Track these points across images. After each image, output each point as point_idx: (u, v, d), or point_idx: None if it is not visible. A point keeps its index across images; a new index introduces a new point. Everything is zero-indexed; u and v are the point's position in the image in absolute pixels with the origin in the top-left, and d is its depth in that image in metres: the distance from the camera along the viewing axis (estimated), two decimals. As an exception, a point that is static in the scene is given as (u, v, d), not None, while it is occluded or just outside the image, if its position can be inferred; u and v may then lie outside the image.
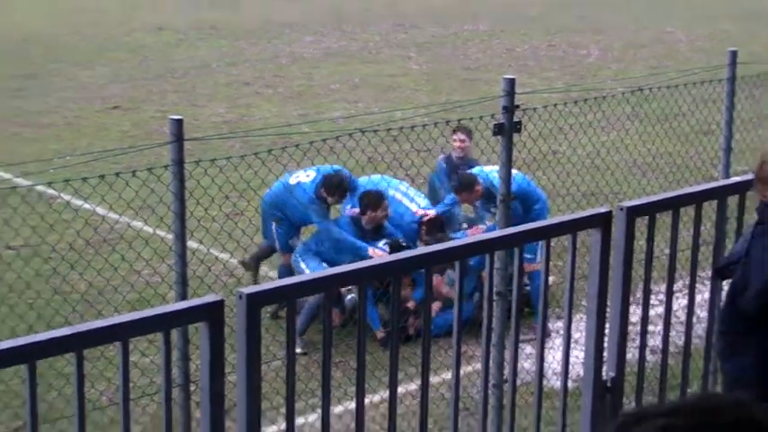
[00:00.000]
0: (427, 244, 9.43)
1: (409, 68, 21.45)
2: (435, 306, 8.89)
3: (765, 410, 1.61)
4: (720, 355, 5.23)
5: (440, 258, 5.47)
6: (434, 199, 11.04)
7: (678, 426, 1.56)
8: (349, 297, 9.40)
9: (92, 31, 25.38)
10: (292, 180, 10.40)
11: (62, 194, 11.71)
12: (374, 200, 9.94)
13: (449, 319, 8.53)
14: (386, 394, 5.12)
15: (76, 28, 25.66)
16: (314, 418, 6.67)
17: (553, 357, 6.63)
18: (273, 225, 10.49)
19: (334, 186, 10.18)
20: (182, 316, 4.64)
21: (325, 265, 9.66)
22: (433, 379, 6.01)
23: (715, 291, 6.22)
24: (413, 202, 10.42)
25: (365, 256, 9.39)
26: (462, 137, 11.31)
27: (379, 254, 9.82)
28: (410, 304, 9.32)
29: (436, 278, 8.77)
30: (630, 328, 5.80)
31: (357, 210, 10.04)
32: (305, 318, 9.52)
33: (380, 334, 9.37)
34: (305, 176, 10.34)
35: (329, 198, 10.08)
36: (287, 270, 10.27)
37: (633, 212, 5.59)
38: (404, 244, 9.75)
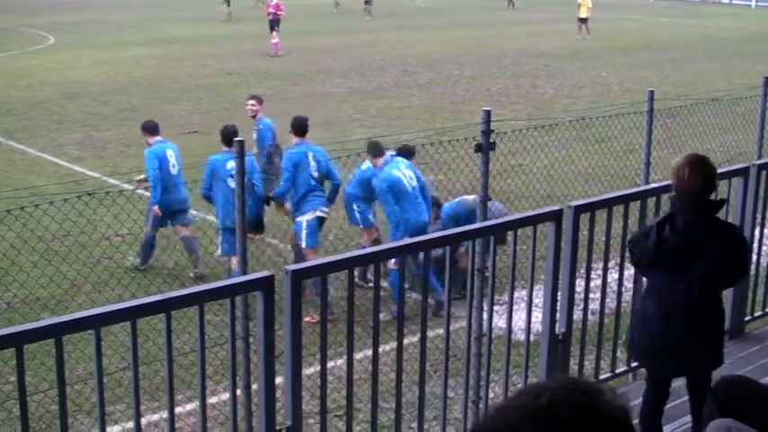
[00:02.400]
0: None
1: (412, 103, 21.40)
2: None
3: (589, 389, 1.54)
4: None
5: (436, 244, 5.44)
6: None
7: (513, 406, 1.52)
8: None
9: (176, 75, 25.37)
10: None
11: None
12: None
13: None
14: (395, 344, 5.10)
15: (165, 73, 25.66)
16: (341, 362, 6.65)
17: (519, 317, 6.59)
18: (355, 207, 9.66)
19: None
20: (243, 286, 4.64)
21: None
22: (430, 333, 5.98)
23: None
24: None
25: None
26: (252, 102, 11.41)
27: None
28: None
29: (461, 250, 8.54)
30: (576, 295, 5.77)
31: None
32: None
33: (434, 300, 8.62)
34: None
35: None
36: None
37: (578, 210, 5.57)
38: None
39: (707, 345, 4.92)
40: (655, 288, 4.91)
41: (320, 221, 9.62)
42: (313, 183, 9.46)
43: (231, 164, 8.43)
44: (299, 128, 9.65)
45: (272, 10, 30.50)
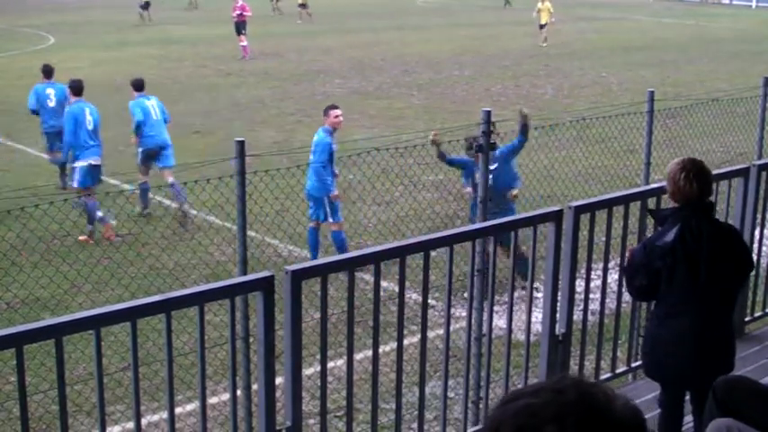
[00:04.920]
0: None
1: (412, 103, 21.41)
2: None
3: (603, 390, 1.53)
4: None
5: (437, 245, 5.44)
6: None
7: (536, 403, 1.49)
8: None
9: (176, 76, 25.38)
10: None
11: (156, 196, 11.70)
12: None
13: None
14: (395, 345, 5.10)
15: (165, 74, 25.68)
16: (341, 362, 6.65)
17: (519, 317, 6.59)
18: None
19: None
20: (243, 287, 4.64)
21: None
22: (430, 333, 5.98)
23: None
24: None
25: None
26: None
27: None
28: None
29: None
30: (576, 295, 5.77)
31: None
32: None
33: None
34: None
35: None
36: None
37: (579, 210, 5.57)
38: None
39: (724, 361, 4.88)
40: (671, 310, 4.75)
41: (94, 168, 11.54)
42: (89, 135, 11.47)
43: (49, 90, 13.71)
44: (76, 88, 11.82)
45: (237, 12, 29.28)
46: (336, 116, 10.23)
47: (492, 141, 6.42)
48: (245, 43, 29.01)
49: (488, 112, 6.39)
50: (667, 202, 5.05)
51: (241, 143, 5.94)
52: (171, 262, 9.56)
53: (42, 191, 12.13)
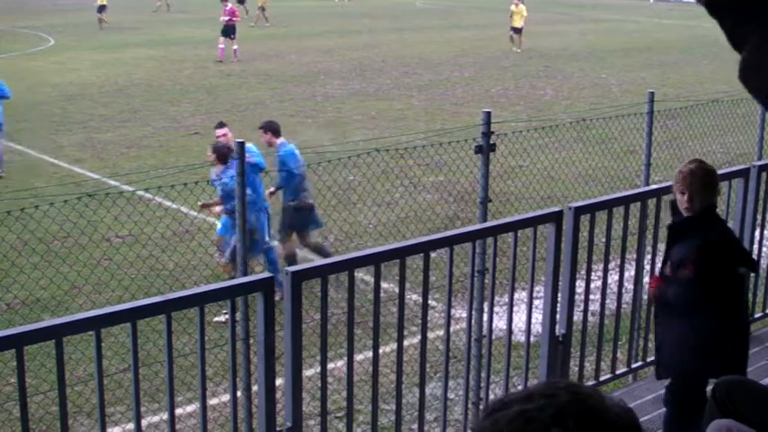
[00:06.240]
0: None
1: (412, 104, 21.41)
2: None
3: (594, 391, 1.53)
4: None
5: (437, 245, 5.43)
6: None
7: (531, 409, 1.45)
8: None
9: (177, 77, 25.38)
10: None
11: (156, 197, 11.70)
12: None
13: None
14: (395, 345, 5.10)
15: (166, 75, 25.68)
16: (341, 363, 6.65)
17: (519, 318, 6.58)
18: None
19: None
20: (243, 288, 4.64)
21: None
22: (430, 335, 5.98)
23: (639, 269, 6.20)
24: None
25: None
26: None
27: None
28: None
29: None
30: (576, 296, 5.77)
31: None
32: None
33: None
34: None
35: None
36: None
37: (579, 211, 5.57)
38: None
39: (740, 361, 4.93)
40: (694, 311, 4.75)
41: None
42: None
43: None
44: None
45: (227, 17, 28.89)
46: (218, 136, 10.16)
47: (492, 143, 6.42)
48: (222, 46, 28.50)
49: (488, 113, 6.40)
50: (666, 207, 5.06)
51: (241, 144, 5.95)
52: (171, 263, 9.56)
53: (42, 192, 12.14)
